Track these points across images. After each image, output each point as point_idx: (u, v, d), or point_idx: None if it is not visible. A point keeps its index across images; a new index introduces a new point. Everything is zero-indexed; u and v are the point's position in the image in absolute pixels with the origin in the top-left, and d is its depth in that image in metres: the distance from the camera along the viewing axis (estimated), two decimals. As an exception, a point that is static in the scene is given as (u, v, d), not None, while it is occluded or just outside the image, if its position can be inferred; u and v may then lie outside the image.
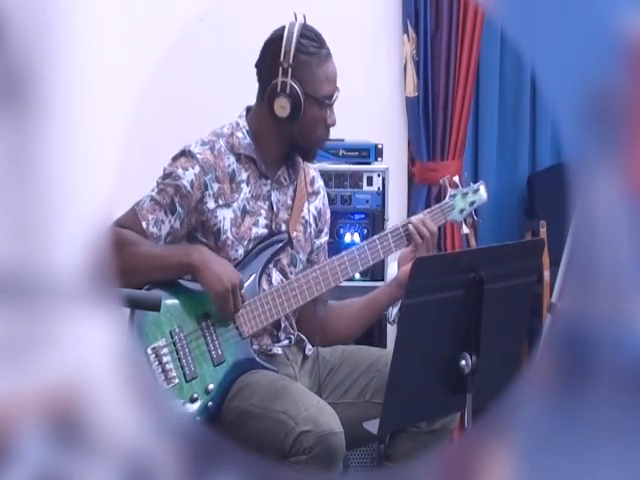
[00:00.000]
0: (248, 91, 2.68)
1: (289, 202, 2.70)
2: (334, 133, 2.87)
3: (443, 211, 2.73)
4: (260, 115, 2.63)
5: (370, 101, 4.22)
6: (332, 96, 2.61)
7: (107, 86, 1.61)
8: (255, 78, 2.65)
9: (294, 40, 2.54)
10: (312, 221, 2.74)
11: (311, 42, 2.58)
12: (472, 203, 2.76)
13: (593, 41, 2.24)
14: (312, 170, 2.79)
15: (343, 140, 3.68)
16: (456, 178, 2.77)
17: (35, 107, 1.38)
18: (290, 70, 2.53)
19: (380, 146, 3.72)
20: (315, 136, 2.63)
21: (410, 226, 2.65)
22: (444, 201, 2.74)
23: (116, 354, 1.51)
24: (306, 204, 2.72)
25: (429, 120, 4.21)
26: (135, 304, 2.12)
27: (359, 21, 4.23)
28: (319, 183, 2.81)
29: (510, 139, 4.56)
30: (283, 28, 2.58)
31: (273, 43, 2.58)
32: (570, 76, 2.30)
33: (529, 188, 4.57)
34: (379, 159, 3.72)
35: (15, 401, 1.36)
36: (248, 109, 2.68)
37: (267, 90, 2.57)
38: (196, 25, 4.02)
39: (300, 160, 2.71)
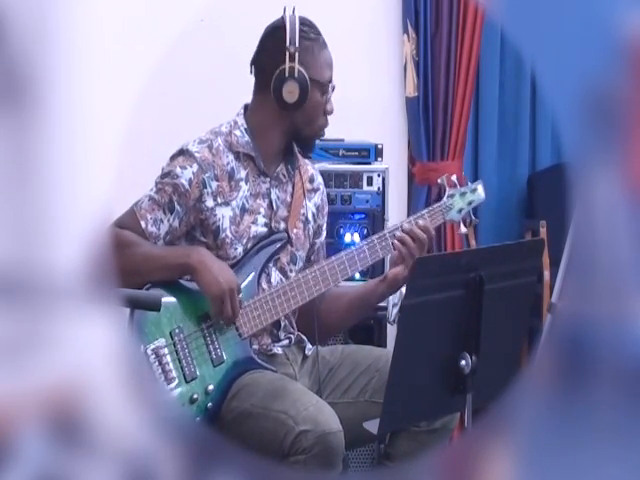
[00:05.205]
0: (247, 91, 2.69)
1: (288, 199, 2.70)
2: (334, 133, 2.87)
3: (442, 211, 2.73)
4: (261, 107, 2.64)
5: (370, 101, 4.22)
6: (331, 81, 2.64)
7: (107, 86, 1.61)
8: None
9: (297, 26, 2.57)
10: (311, 218, 2.75)
11: (310, 29, 2.62)
12: (470, 202, 2.76)
13: (593, 41, 2.25)
14: (310, 167, 2.80)
15: (343, 140, 3.68)
16: (454, 177, 2.77)
17: (35, 107, 1.38)
18: (297, 54, 2.55)
19: (380, 146, 3.72)
20: (317, 124, 2.65)
21: (395, 241, 2.62)
22: (442, 201, 2.74)
23: (116, 354, 1.51)
24: (305, 201, 2.72)
25: (429, 120, 4.21)
26: (135, 304, 2.12)
27: (359, 21, 4.23)
28: (319, 180, 2.82)
29: (510, 139, 4.56)
30: (279, 19, 2.61)
31: (274, 32, 2.61)
32: (570, 76, 2.30)
33: (529, 188, 4.57)
34: (379, 159, 3.72)
35: (15, 401, 1.36)
36: (246, 107, 2.69)
37: (274, 77, 2.58)
38: (196, 25, 4.02)
39: (299, 156, 2.72)
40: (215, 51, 4.11)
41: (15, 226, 1.38)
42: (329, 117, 2.67)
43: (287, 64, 2.56)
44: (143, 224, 2.57)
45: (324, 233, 2.82)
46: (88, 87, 1.48)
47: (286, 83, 2.57)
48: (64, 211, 1.44)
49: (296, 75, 2.57)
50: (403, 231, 2.62)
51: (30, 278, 1.36)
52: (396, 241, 2.62)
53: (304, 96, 2.58)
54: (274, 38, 2.60)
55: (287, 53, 2.56)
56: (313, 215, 2.76)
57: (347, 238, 3.59)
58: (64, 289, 1.39)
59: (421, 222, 2.64)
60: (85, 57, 1.47)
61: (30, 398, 1.37)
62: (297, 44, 2.56)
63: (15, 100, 1.36)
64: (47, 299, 1.37)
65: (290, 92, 2.58)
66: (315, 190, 2.79)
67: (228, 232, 2.60)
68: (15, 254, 1.36)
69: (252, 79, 2.67)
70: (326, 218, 2.84)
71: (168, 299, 2.52)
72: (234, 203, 2.62)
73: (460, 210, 2.75)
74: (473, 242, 4.23)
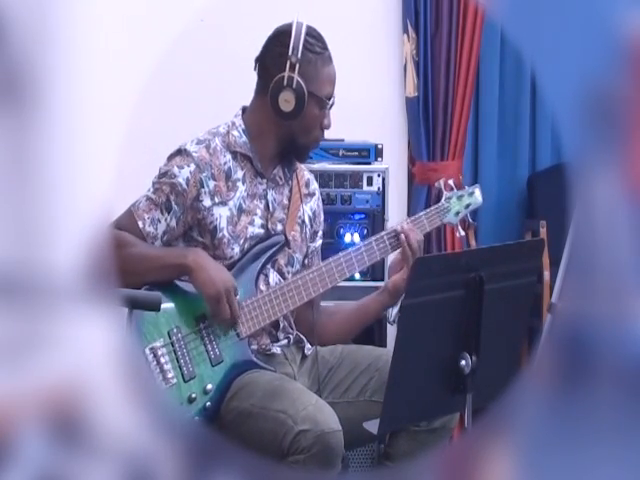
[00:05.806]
0: (247, 91, 2.69)
1: (285, 202, 2.70)
2: (334, 133, 2.87)
3: (439, 213, 2.74)
4: (259, 109, 2.63)
5: (370, 101, 4.22)
6: (331, 98, 2.62)
7: (107, 86, 1.61)
8: (254, 77, 2.65)
9: (302, 36, 2.56)
10: (308, 222, 2.75)
11: (317, 42, 2.60)
12: (467, 206, 2.77)
13: (593, 41, 2.25)
14: (306, 172, 2.80)
15: (343, 140, 3.68)
16: (451, 181, 2.78)
17: (35, 107, 1.38)
18: (297, 65, 2.54)
19: (380, 146, 3.72)
20: (311, 136, 2.64)
21: (402, 236, 2.65)
22: (440, 203, 2.75)
23: (115, 354, 1.51)
24: (302, 204, 2.72)
25: (429, 120, 4.21)
26: (135, 304, 2.12)
27: (359, 21, 4.23)
28: (314, 185, 2.82)
29: (510, 139, 4.56)
30: (289, 24, 2.59)
31: (281, 36, 2.59)
32: (570, 76, 2.30)
33: (529, 188, 4.57)
34: (379, 159, 3.72)
35: (15, 401, 1.36)
36: (244, 109, 2.69)
37: (272, 83, 2.57)
38: (196, 25, 4.02)
39: (295, 160, 2.72)
40: (215, 51, 4.10)
41: (15, 226, 1.37)
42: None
43: (287, 73, 2.56)
44: (141, 224, 2.57)
45: (320, 241, 2.82)
46: (88, 87, 1.48)
47: (283, 91, 2.56)
48: (64, 211, 1.44)
49: (294, 86, 2.55)
50: (403, 233, 2.64)
51: (30, 278, 1.36)
52: (403, 237, 2.63)
53: (300, 108, 2.57)
54: (279, 43, 2.59)
55: (288, 62, 2.55)
56: (310, 219, 2.76)
57: (347, 238, 3.59)
58: (64, 289, 1.39)
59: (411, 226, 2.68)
60: (85, 57, 1.47)
61: (30, 398, 1.37)
62: (299, 55, 2.55)
63: (15, 100, 1.36)
64: (47, 299, 1.37)
65: (286, 101, 2.57)
66: (311, 195, 2.79)
67: (225, 232, 2.60)
68: (15, 254, 1.36)
69: (252, 80, 2.66)
70: (322, 225, 2.84)
71: (166, 300, 2.52)
72: (231, 203, 2.62)
73: (457, 213, 2.76)
74: (473, 242, 4.23)
